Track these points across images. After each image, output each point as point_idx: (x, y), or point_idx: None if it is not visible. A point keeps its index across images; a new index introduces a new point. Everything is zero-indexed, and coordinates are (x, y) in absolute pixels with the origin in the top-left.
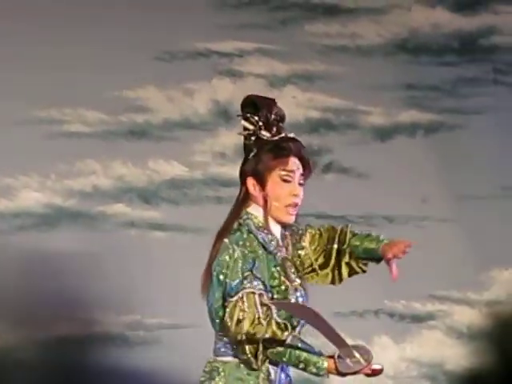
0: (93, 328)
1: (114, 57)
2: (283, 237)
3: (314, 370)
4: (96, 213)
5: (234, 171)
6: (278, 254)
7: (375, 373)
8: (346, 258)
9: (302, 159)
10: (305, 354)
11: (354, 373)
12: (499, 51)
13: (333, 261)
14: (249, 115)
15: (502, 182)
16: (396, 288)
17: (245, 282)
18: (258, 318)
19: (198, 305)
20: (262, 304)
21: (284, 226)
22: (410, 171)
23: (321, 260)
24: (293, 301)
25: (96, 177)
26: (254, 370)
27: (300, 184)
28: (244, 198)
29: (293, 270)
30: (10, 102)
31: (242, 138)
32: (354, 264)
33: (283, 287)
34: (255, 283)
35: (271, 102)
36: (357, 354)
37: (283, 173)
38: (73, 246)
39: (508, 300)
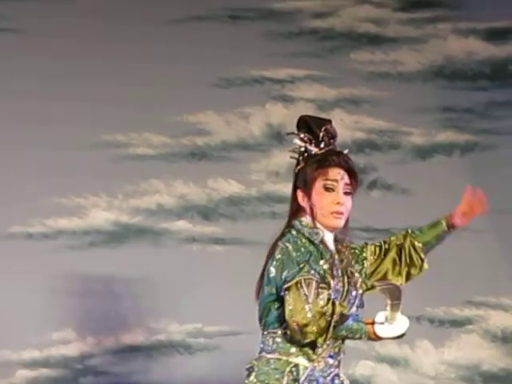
0: (157, 336)
1: (177, 85)
2: (337, 248)
3: (358, 336)
4: (160, 229)
5: (287, 189)
6: (324, 252)
7: None
8: (407, 249)
9: (349, 171)
10: (354, 324)
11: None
12: None
13: (403, 261)
14: (302, 135)
15: None
16: (436, 295)
17: (302, 270)
18: (322, 299)
19: (255, 312)
20: (322, 288)
21: (336, 238)
22: (447, 187)
23: (389, 264)
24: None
25: (160, 196)
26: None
27: (346, 193)
28: (296, 210)
29: (340, 274)
30: (80, 128)
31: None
32: (414, 256)
33: (326, 280)
34: (312, 272)
35: (324, 121)
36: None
37: (325, 182)
38: (139, 259)
39: None
